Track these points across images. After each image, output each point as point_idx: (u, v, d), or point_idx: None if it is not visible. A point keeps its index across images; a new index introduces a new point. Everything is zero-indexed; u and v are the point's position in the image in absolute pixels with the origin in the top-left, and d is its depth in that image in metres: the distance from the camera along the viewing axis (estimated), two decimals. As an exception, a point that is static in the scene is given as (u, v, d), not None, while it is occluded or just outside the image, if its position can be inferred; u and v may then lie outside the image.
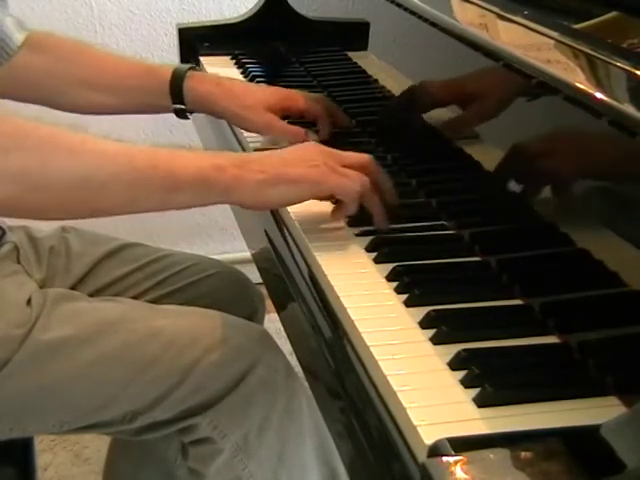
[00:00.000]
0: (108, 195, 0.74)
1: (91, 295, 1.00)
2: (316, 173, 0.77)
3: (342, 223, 0.83)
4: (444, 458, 0.50)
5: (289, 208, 0.85)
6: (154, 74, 1.03)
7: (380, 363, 0.62)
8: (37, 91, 1.03)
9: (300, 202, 0.81)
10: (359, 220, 0.81)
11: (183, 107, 1.02)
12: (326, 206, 0.85)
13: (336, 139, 1.02)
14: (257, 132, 1.02)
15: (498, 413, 0.56)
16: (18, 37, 1.00)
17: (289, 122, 1.01)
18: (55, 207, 0.75)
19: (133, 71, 1.04)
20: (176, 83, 1.01)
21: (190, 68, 1.02)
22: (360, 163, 0.81)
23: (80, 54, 1.06)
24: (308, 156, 0.79)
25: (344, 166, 0.79)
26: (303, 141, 0.94)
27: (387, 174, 0.83)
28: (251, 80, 1.21)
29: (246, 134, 1.03)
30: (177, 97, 1.01)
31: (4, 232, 1.00)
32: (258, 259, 0.95)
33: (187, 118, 1.05)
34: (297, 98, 1.02)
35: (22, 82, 1.02)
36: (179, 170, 0.75)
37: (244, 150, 1.03)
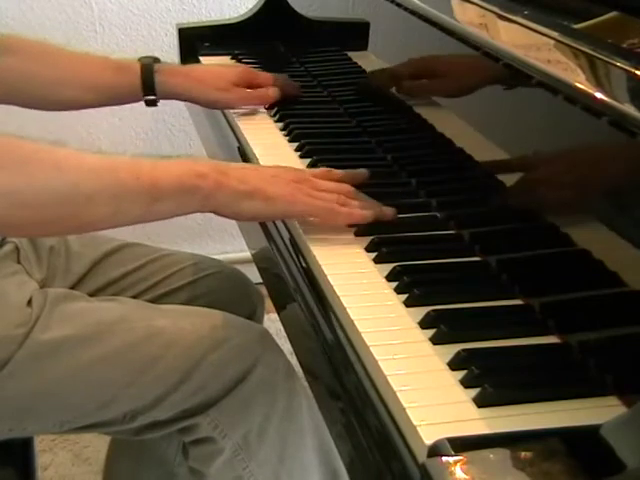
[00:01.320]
0: (93, 209, 0.74)
1: (91, 295, 1.00)
2: (290, 194, 0.79)
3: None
4: (444, 458, 0.50)
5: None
6: (124, 71, 1.08)
7: (380, 363, 0.62)
8: (15, 93, 1.05)
9: (271, 220, 0.86)
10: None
11: (153, 98, 1.08)
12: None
13: (336, 139, 1.03)
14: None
15: (498, 413, 0.56)
16: None
17: None
18: (42, 224, 0.74)
19: (104, 70, 1.08)
20: (147, 78, 1.07)
21: (155, 60, 1.09)
22: (335, 188, 0.82)
23: (50, 55, 1.09)
24: (286, 177, 0.81)
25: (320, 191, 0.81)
26: (268, 96, 1.10)
27: (368, 198, 0.83)
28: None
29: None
30: (148, 90, 1.08)
31: (4, 232, 1.01)
32: (258, 259, 0.95)
33: (156, 105, 1.10)
34: (255, 73, 1.13)
35: None
36: (162, 179, 0.75)
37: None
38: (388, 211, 0.82)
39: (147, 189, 0.75)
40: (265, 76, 1.13)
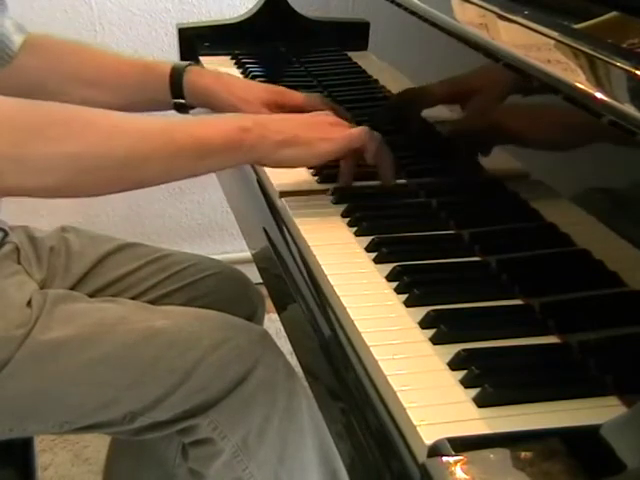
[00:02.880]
0: (149, 169, 0.80)
1: (91, 295, 1.00)
2: (326, 135, 0.83)
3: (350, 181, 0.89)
4: (444, 458, 0.50)
5: (289, 208, 0.85)
6: (153, 70, 1.04)
7: (380, 363, 0.62)
8: (37, 92, 1.03)
9: (313, 164, 0.90)
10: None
11: (183, 101, 1.03)
12: (327, 206, 0.86)
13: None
14: None
15: (498, 413, 0.56)
16: (17, 39, 1.00)
17: None
18: (102, 185, 0.80)
19: (132, 68, 1.05)
20: (176, 78, 1.02)
21: (189, 64, 1.04)
22: (366, 132, 0.86)
23: (78, 53, 1.06)
24: (318, 121, 0.86)
25: None
26: None
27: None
28: (251, 80, 1.21)
29: None
30: (177, 92, 1.02)
31: (6, 233, 1.00)
32: (258, 259, 0.95)
33: (187, 112, 1.05)
34: (293, 94, 1.04)
35: (21, 83, 1.02)
36: (210, 136, 0.80)
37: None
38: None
39: (197, 147, 0.80)
40: (306, 99, 1.04)
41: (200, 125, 0.83)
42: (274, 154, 0.82)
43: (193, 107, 1.04)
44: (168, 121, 0.83)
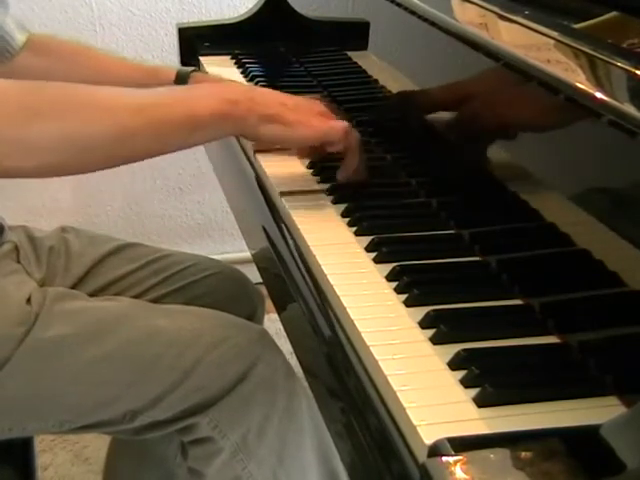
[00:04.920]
0: (141, 143, 0.81)
1: (91, 295, 1.00)
2: (307, 121, 0.85)
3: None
4: (444, 458, 0.50)
5: (289, 208, 0.85)
6: (157, 75, 1.05)
7: (380, 363, 0.62)
8: None
9: (289, 146, 0.92)
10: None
11: None
12: (326, 206, 0.86)
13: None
14: None
15: (498, 413, 0.56)
16: (20, 37, 1.01)
17: None
18: (97, 163, 0.82)
19: (136, 72, 1.05)
20: (180, 83, 1.03)
21: (193, 70, 1.04)
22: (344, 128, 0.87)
23: (81, 55, 1.06)
24: (305, 106, 0.87)
25: None
26: None
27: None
28: (251, 80, 1.21)
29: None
30: None
31: (3, 230, 1.00)
32: (258, 259, 0.95)
33: None
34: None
35: None
36: (199, 109, 0.81)
37: (244, 152, 1.03)
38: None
39: (186, 120, 0.81)
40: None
41: (188, 97, 0.84)
42: (257, 127, 0.83)
43: None
44: (158, 95, 0.84)
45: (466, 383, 0.59)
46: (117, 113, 0.79)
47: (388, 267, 0.74)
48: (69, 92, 0.80)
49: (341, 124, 0.86)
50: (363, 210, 0.83)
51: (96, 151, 0.79)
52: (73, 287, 1.03)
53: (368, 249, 0.78)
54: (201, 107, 0.81)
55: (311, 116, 0.85)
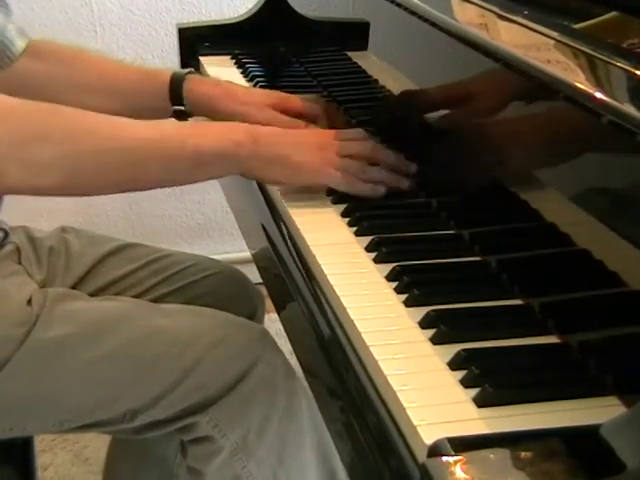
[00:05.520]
0: (146, 174, 0.84)
1: (91, 295, 1.00)
2: (314, 163, 0.85)
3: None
4: (444, 458, 0.50)
5: (289, 208, 0.85)
6: (153, 77, 1.04)
7: (380, 363, 0.62)
8: (37, 97, 1.03)
9: (294, 186, 0.88)
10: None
11: (182, 109, 1.03)
12: (327, 206, 0.86)
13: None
14: None
15: (498, 413, 0.56)
16: (20, 44, 1.01)
17: None
18: (102, 187, 0.85)
19: (132, 75, 1.05)
20: (176, 85, 1.02)
21: (189, 72, 1.04)
22: (361, 152, 0.87)
23: (79, 59, 1.07)
24: (312, 142, 0.87)
25: (345, 156, 0.86)
26: None
27: (389, 151, 0.89)
28: (251, 80, 1.21)
29: None
30: (176, 99, 1.02)
31: (7, 233, 1.01)
32: (258, 259, 0.95)
33: (186, 120, 1.05)
34: (295, 100, 1.03)
35: (21, 88, 1.02)
36: (204, 147, 0.83)
37: None
38: (404, 182, 0.87)
39: (191, 156, 0.83)
40: (307, 105, 1.03)
41: (194, 134, 0.85)
42: (261, 170, 0.85)
43: (192, 115, 1.04)
44: (165, 129, 0.86)
45: (466, 383, 0.59)
46: (124, 141, 0.82)
47: (388, 267, 0.74)
48: (74, 116, 0.82)
49: (347, 176, 0.85)
50: (363, 210, 0.84)
51: (100, 175, 0.82)
52: (73, 287, 1.03)
53: (368, 249, 0.78)
54: (206, 144, 0.83)
55: (318, 156, 0.85)
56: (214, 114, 1.03)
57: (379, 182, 0.86)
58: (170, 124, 0.90)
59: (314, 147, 0.86)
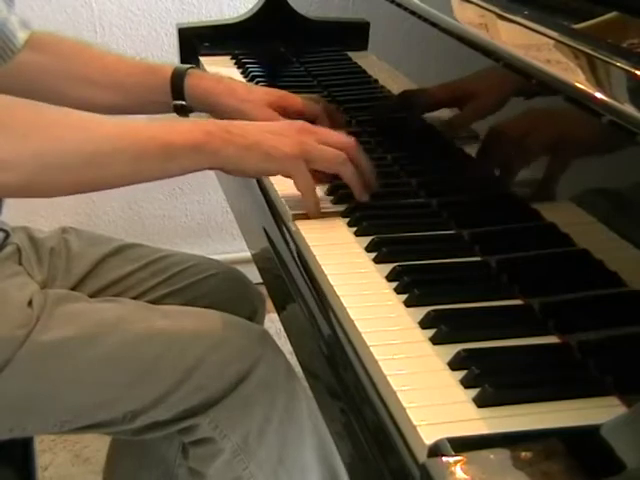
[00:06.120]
0: (115, 169, 0.80)
1: (92, 296, 1.00)
2: (290, 147, 0.82)
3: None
4: (444, 458, 0.50)
5: (289, 208, 0.85)
6: (155, 72, 1.04)
7: (380, 363, 0.62)
8: (38, 89, 1.03)
9: (274, 174, 0.86)
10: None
11: (183, 103, 1.03)
12: (327, 206, 0.86)
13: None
14: None
15: (498, 413, 0.56)
16: (22, 36, 1.01)
17: None
18: (69, 184, 0.81)
19: (134, 69, 1.05)
20: (177, 80, 1.02)
21: (190, 67, 1.04)
22: (340, 142, 0.84)
23: (81, 52, 1.07)
24: (286, 131, 0.84)
25: (323, 144, 0.83)
26: None
27: (368, 158, 0.87)
28: (251, 80, 1.21)
29: None
30: (178, 94, 1.02)
31: (8, 234, 1.01)
32: (258, 259, 0.95)
33: (187, 115, 1.05)
34: (295, 98, 1.03)
35: (23, 80, 1.02)
36: (174, 139, 0.80)
37: None
38: (370, 186, 0.85)
39: (162, 149, 0.80)
40: (307, 105, 1.02)
41: (164, 128, 0.83)
42: (238, 161, 0.82)
43: (192, 110, 1.04)
44: (133, 124, 0.85)
45: (466, 383, 0.59)
46: (92, 135, 0.79)
47: (388, 267, 0.74)
48: (38, 110, 0.80)
49: (337, 139, 0.84)
50: (363, 210, 0.84)
51: (65, 172, 0.78)
52: (74, 288, 1.03)
53: (368, 249, 0.78)
54: (175, 136, 0.81)
55: (297, 141, 0.82)
56: (214, 110, 1.03)
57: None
58: (140, 121, 0.87)
59: (293, 134, 0.83)
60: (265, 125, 0.86)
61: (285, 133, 0.83)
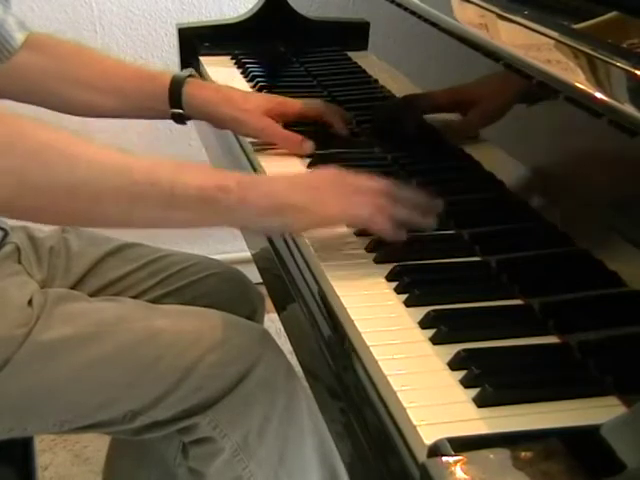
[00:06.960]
0: (104, 208, 0.72)
1: (91, 295, 1.00)
2: (321, 203, 0.75)
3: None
4: (444, 458, 0.50)
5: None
6: (154, 79, 1.04)
7: (380, 363, 0.62)
8: (36, 92, 1.04)
9: (305, 231, 0.80)
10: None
11: (181, 112, 1.03)
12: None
13: (335, 140, 1.02)
14: (255, 136, 1.03)
15: (498, 413, 0.56)
16: (19, 37, 1.00)
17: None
18: (56, 213, 0.74)
19: (133, 74, 1.05)
20: (175, 88, 1.02)
21: (189, 75, 1.04)
22: (373, 191, 0.77)
23: (80, 55, 1.06)
24: (317, 183, 0.77)
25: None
26: (300, 147, 0.97)
27: (409, 190, 0.80)
28: (251, 80, 1.22)
29: (248, 140, 1.03)
30: (176, 102, 1.03)
31: (7, 233, 1.01)
32: (258, 259, 0.95)
33: (184, 123, 1.06)
34: (294, 103, 1.04)
35: (21, 82, 1.02)
36: (181, 187, 0.72)
37: (248, 158, 1.03)
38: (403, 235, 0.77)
39: (163, 195, 0.72)
40: (308, 105, 1.01)
41: (171, 173, 0.73)
42: (261, 221, 0.75)
43: (190, 118, 1.05)
44: (135, 162, 0.74)
45: (466, 383, 0.59)
46: (79, 167, 0.71)
47: (388, 267, 0.74)
48: (28, 131, 0.71)
49: (365, 203, 0.75)
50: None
51: (53, 200, 0.71)
52: (73, 287, 1.03)
53: (368, 249, 0.78)
54: (183, 185, 0.72)
55: (334, 196, 0.75)
56: (212, 119, 1.04)
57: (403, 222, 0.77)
58: (146, 158, 0.75)
59: (317, 186, 0.76)
60: (295, 181, 0.79)
61: (315, 185, 0.76)
